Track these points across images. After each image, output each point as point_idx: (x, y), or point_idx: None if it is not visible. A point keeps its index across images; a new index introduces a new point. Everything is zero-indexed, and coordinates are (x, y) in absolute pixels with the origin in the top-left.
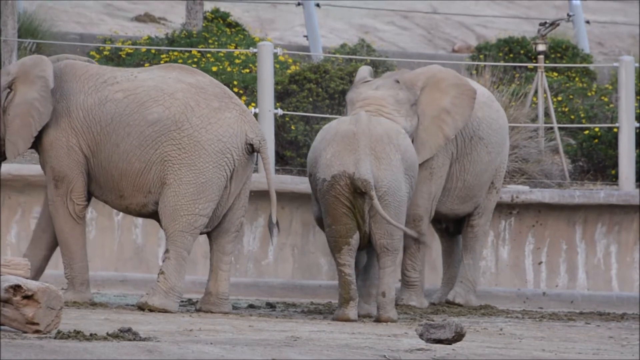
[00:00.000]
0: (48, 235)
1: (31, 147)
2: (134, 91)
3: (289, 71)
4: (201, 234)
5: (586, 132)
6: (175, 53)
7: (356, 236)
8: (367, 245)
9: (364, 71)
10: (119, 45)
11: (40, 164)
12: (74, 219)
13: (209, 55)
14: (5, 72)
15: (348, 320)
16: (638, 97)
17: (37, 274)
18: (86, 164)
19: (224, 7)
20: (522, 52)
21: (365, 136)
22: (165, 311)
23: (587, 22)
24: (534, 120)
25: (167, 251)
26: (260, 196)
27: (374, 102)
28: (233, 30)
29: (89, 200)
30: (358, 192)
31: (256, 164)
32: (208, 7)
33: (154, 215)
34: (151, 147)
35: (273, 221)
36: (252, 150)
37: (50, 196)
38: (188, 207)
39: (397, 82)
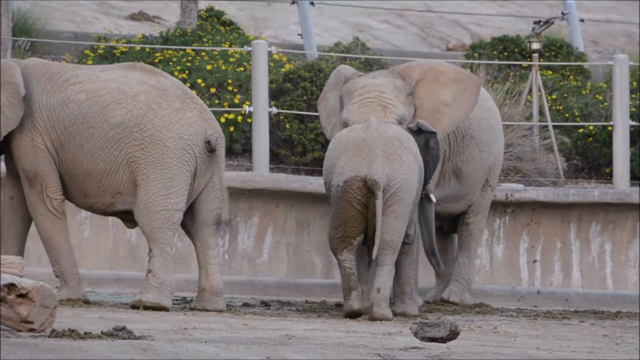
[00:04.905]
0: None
1: (1, 153)
2: (97, 93)
3: (283, 69)
4: None
5: (580, 130)
6: (170, 51)
7: (360, 238)
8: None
9: (346, 69)
10: (113, 43)
11: (9, 168)
12: (53, 214)
13: (203, 53)
14: None
15: (352, 311)
16: (632, 96)
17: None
18: (53, 161)
19: (218, 6)
20: (516, 50)
21: (377, 140)
22: (159, 306)
23: (582, 20)
24: (529, 118)
25: (150, 250)
26: (254, 195)
27: (374, 89)
28: (227, 28)
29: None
30: (371, 192)
31: (250, 163)
32: (202, 5)
33: (120, 214)
34: (115, 148)
35: (223, 219)
36: (209, 148)
37: (27, 196)
38: (160, 203)
39: (393, 72)
